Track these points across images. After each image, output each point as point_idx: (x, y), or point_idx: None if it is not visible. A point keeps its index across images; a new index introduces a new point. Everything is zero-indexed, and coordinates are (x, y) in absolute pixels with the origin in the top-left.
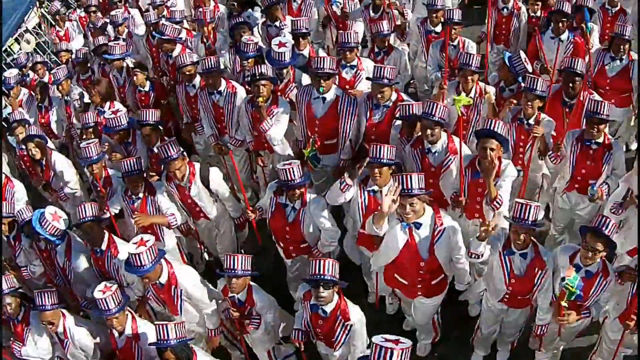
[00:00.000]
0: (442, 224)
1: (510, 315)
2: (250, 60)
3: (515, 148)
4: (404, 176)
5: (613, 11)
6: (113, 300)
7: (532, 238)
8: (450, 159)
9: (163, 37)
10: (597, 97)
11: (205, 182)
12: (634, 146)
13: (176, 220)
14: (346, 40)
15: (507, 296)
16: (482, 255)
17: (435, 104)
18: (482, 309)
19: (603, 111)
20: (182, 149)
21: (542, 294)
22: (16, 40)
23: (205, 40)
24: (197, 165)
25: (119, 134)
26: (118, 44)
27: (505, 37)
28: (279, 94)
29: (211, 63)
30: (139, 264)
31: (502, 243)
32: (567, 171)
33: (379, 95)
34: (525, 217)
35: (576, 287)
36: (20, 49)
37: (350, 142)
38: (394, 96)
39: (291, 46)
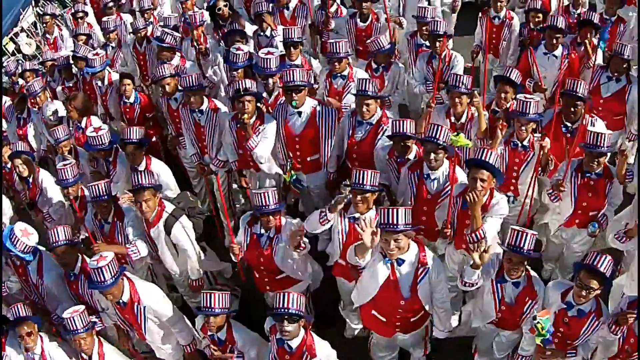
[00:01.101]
0: (426, 263)
1: (502, 335)
2: (239, 71)
3: (507, 172)
4: (390, 210)
5: (612, 20)
6: (80, 319)
7: (526, 267)
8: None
9: (163, 44)
10: (599, 124)
11: (168, 228)
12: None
13: (137, 254)
14: (335, 50)
15: (496, 319)
16: (475, 284)
17: (440, 127)
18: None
19: (603, 144)
20: (154, 184)
21: (529, 322)
22: (11, 39)
23: (195, 43)
24: (169, 208)
25: (100, 152)
26: (98, 54)
27: (495, 47)
28: (269, 108)
29: (192, 80)
30: (101, 279)
31: (495, 270)
32: (567, 205)
33: (364, 109)
34: (521, 245)
35: (547, 331)
36: (14, 51)
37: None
38: (378, 113)
39: (279, 55)
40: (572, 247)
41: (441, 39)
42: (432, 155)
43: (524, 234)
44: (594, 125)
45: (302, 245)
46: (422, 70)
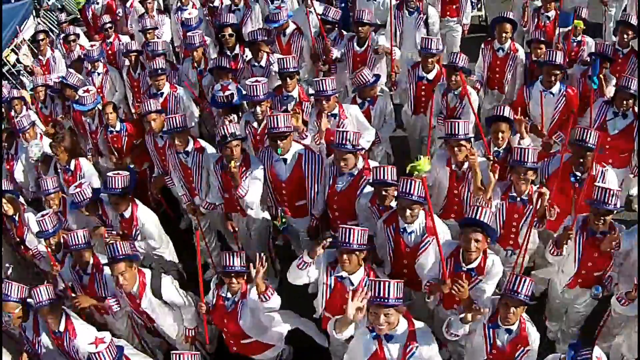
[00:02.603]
0: (415, 340)
1: None
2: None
3: (506, 228)
4: (381, 283)
5: (624, 52)
6: None
7: (522, 315)
8: (429, 241)
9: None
10: (609, 175)
11: (157, 292)
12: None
13: (118, 307)
14: (322, 89)
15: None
16: (460, 336)
17: (413, 181)
18: None
19: (611, 202)
20: (130, 254)
21: None
22: (12, 50)
23: (196, 65)
24: (148, 274)
25: (86, 207)
26: (88, 91)
27: (500, 81)
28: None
29: (177, 121)
30: None
31: (489, 315)
32: (570, 265)
33: (342, 164)
34: (518, 290)
35: None
36: (15, 62)
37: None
38: (360, 163)
39: (266, 82)
40: (575, 307)
41: (457, 72)
42: (408, 212)
43: (522, 280)
44: (604, 178)
45: (268, 294)
46: (438, 103)
